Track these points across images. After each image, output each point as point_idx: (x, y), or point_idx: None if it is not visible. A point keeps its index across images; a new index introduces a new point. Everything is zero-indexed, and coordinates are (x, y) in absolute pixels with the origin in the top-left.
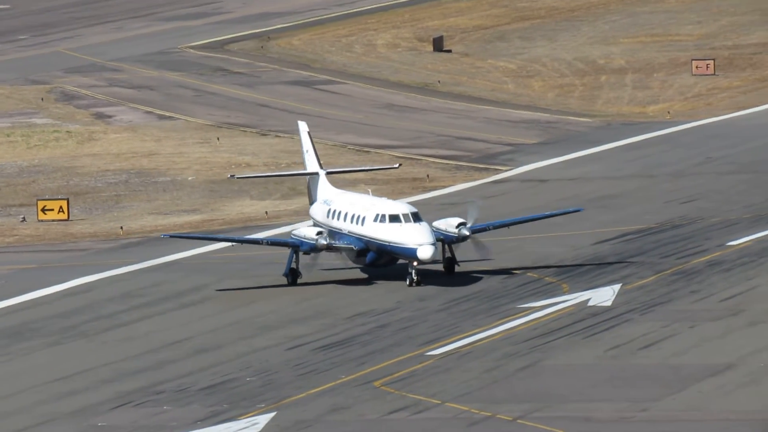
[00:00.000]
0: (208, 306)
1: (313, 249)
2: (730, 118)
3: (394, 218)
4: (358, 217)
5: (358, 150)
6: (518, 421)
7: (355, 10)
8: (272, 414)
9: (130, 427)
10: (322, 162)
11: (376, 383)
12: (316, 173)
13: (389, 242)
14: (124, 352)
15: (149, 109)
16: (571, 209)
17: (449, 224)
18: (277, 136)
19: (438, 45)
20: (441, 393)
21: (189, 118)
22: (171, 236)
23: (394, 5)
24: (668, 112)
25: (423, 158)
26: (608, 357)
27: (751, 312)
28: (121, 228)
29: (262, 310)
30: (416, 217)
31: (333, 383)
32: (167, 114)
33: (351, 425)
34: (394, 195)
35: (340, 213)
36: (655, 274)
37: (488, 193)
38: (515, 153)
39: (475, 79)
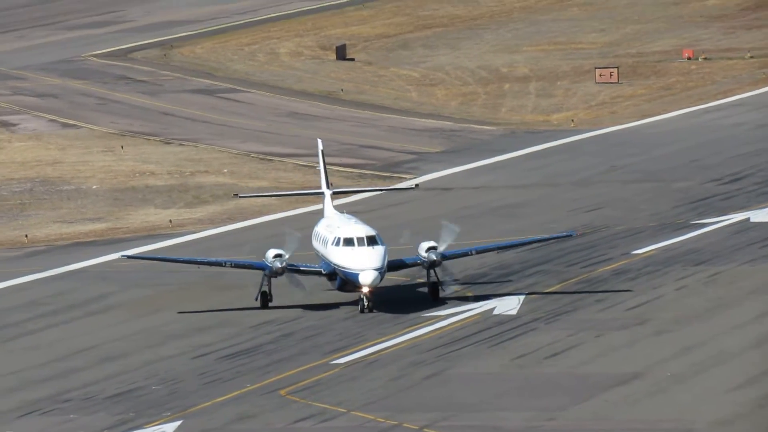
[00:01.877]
0: (114, 314)
1: (272, 272)
2: (635, 126)
3: (348, 242)
4: (326, 239)
5: (261, 158)
6: (425, 430)
7: (257, 18)
8: (178, 423)
9: None
10: (328, 181)
11: (282, 392)
12: (321, 193)
13: (340, 266)
14: (30, 360)
15: (53, 117)
16: (563, 233)
17: (421, 248)
18: (180, 144)
19: (341, 53)
20: (347, 402)
21: (93, 127)
22: (129, 257)
23: (297, 14)
24: (572, 121)
25: (329, 168)
26: (515, 366)
27: (658, 321)
28: (26, 236)
29: (167, 319)
30: (371, 241)
31: (239, 392)
32: (71, 122)
33: None
34: (296, 204)
35: (319, 235)
36: (560, 282)
37: (392, 202)
38: (419, 161)
39: (378, 87)
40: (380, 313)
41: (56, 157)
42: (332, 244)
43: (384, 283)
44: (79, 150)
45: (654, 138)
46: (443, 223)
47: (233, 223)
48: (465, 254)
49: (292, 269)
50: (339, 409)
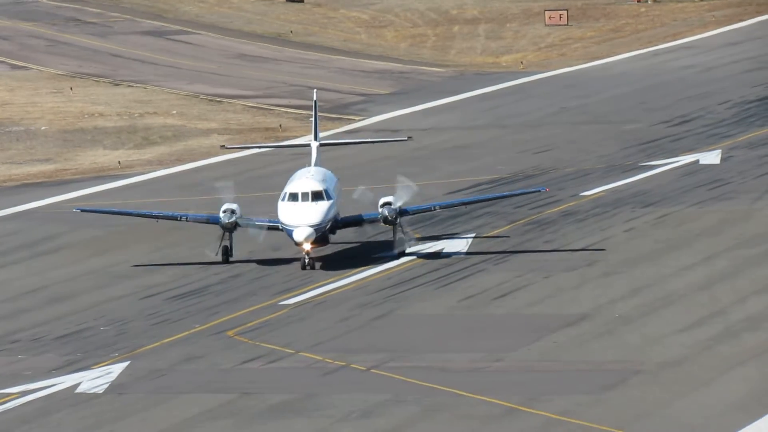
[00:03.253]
0: (62, 255)
1: (223, 227)
2: (584, 68)
3: (293, 197)
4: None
5: (210, 100)
6: (372, 370)
7: None
8: (126, 363)
9: None
10: (318, 133)
11: (230, 333)
12: (308, 145)
13: (282, 222)
14: None
15: (2, 59)
16: (533, 189)
17: (379, 202)
18: (129, 85)
19: None
20: (295, 343)
21: (42, 68)
22: (83, 210)
23: None
24: (521, 63)
25: (275, 108)
26: (462, 307)
27: (606, 263)
28: None
29: (116, 260)
30: (316, 196)
31: (186, 333)
32: (21, 64)
33: (205, 374)
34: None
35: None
36: (508, 224)
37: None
38: (368, 103)
39: (328, 29)
40: (324, 271)
41: (5, 98)
42: (281, 199)
43: (340, 240)
44: (28, 91)
45: (603, 80)
46: (399, 180)
47: (182, 164)
48: (427, 210)
49: (245, 224)
50: (287, 350)
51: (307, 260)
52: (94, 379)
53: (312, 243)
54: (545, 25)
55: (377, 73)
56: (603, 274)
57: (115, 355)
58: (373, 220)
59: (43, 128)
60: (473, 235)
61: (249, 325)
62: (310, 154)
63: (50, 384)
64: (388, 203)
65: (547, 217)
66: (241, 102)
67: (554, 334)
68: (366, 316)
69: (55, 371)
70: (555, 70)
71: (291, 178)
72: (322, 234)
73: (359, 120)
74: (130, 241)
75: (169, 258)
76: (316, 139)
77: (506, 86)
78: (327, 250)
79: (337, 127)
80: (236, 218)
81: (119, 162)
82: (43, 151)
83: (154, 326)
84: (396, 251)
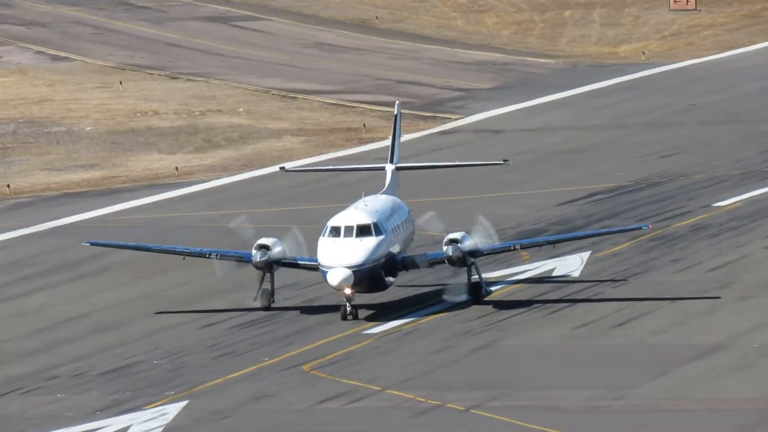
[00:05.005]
0: (109, 277)
1: (257, 267)
2: (715, 59)
3: (334, 231)
4: None
5: (283, 96)
6: (472, 411)
7: None
8: (184, 403)
9: (19, 418)
10: (396, 154)
11: (305, 367)
12: (383, 168)
13: (319, 261)
14: (11, 330)
15: (41, 49)
16: (633, 227)
17: (444, 240)
18: (189, 79)
19: None
20: (381, 378)
21: (87, 60)
22: (92, 244)
23: None
24: (643, 53)
25: (359, 105)
26: (576, 336)
27: (742, 284)
28: (8, 186)
29: (172, 282)
30: (363, 231)
31: (254, 367)
32: (62, 54)
33: (276, 416)
34: (322, 148)
35: None
36: (630, 240)
37: (434, 146)
38: (466, 99)
39: (419, 14)
40: (421, 276)
41: (44, 94)
42: (322, 234)
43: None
44: (70, 86)
45: (737, 73)
46: (479, 220)
47: (250, 170)
48: (505, 250)
49: (281, 262)
50: (372, 387)
51: (348, 308)
52: (146, 422)
53: (352, 287)
54: (670, 9)
55: (476, 64)
56: (739, 297)
57: (171, 393)
58: (437, 261)
59: (87, 129)
60: (589, 252)
61: (327, 357)
62: (384, 177)
63: (94, 428)
64: (456, 240)
65: (675, 232)
66: (319, 98)
67: (683, 368)
68: (464, 347)
69: (100, 412)
70: (682, 61)
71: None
72: (370, 277)
73: (456, 119)
74: (189, 261)
75: (232, 279)
76: (392, 161)
77: (626, 80)
78: (388, 295)
79: (431, 127)
80: (270, 255)
81: (176, 168)
82: (88, 155)
83: (216, 360)
84: (446, 298)
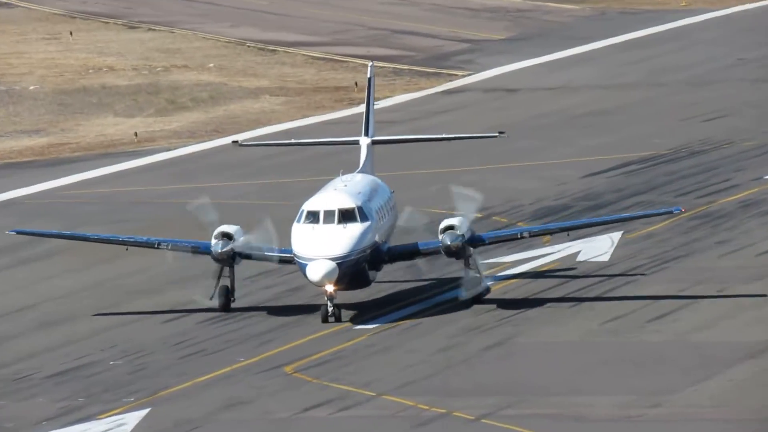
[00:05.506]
0: (57, 262)
1: (216, 259)
2: None
3: (312, 217)
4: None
5: (261, 49)
6: (483, 420)
7: None
8: (145, 411)
9: None
10: (371, 125)
11: (287, 368)
12: (356, 142)
13: (295, 252)
14: None
15: None
16: (663, 209)
17: (440, 228)
18: (150, 29)
19: None
20: (376, 382)
21: (31, 5)
22: (18, 233)
23: None
24: None
25: (349, 60)
26: (606, 332)
27: None
28: None
29: (130, 268)
30: (345, 217)
31: (227, 368)
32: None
33: (253, 426)
34: (307, 110)
35: None
36: (667, 218)
37: (437, 108)
38: (475, 52)
39: None
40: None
41: None
42: (296, 219)
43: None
44: (11, 37)
45: None
46: (455, 190)
47: (221, 137)
48: (512, 237)
49: (244, 255)
50: (366, 393)
51: (330, 308)
52: None
53: (335, 284)
54: None
55: (487, 11)
56: None
57: (130, 400)
58: (431, 252)
59: (32, 88)
60: (620, 233)
61: (313, 357)
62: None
63: None
64: (451, 227)
65: (721, 209)
66: (303, 51)
67: (731, 370)
68: (474, 345)
69: (46, 423)
70: (728, 7)
71: (319, 191)
72: (353, 271)
73: (463, 76)
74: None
75: (201, 264)
76: (367, 134)
77: (663, 30)
78: (369, 292)
79: (434, 86)
80: (234, 246)
81: (135, 134)
82: (32, 119)
83: (182, 360)
84: (464, 296)
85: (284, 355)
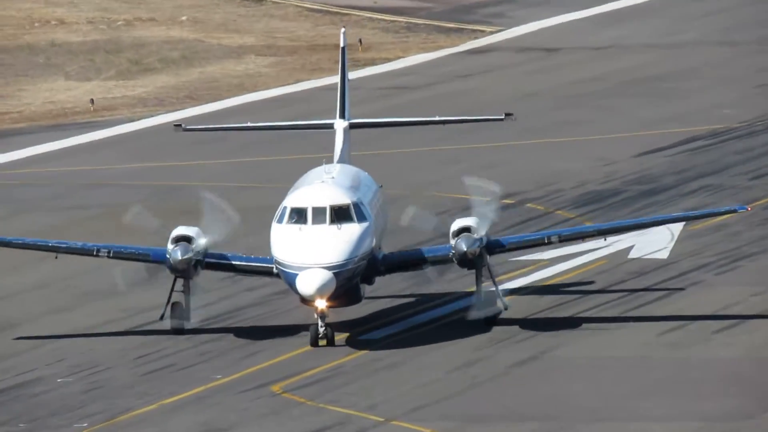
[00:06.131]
0: None
1: (172, 270)
2: None
3: (297, 215)
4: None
5: None
6: None
7: None
8: None
9: None
10: (346, 105)
11: (275, 387)
12: (331, 125)
13: (277, 259)
14: None
15: None
16: (726, 208)
17: (452, 230)
18: None
19: None
20: (382, 404)
21: None
22: None
23: None
24: None
25: (351, 12)
26: (664, 345)
27: None
28: None
29: (81, 266)
30: (339, 215)
31: (202, 388)
32: None
33: None
34: (300, 73)
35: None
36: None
37: (460, 70)
38: (504, 4)
39: None
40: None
41: None
42: (276, 218)
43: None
44: None
45: None
46: (467, 182)
47: (197, 104)
48: (538, 243)
49: (207, 262)
50: (369, 417)
51: (321, 328)
52: None
53: (329, 299)
54: None
55: None
56: None
57: (84, 425)
58: (439, 260)
59: None
60: (681, 225)
61: (307, 374)
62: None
63: None
64: (467, 229)
65: None
66: (295, 1)
67: None
68: (500, 359)
69: None
70: None
71: (297, 185)
72: (347, 282)
73: (491, 32)
74: (107, 236)
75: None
76: (343, 116)
77: None
78: (359, 309)
79: (456, 45)
80: (192, 255)
81: (92, 101)
82: None
83: (146, 377)
84: (476, 315)
85: (271, 371)
